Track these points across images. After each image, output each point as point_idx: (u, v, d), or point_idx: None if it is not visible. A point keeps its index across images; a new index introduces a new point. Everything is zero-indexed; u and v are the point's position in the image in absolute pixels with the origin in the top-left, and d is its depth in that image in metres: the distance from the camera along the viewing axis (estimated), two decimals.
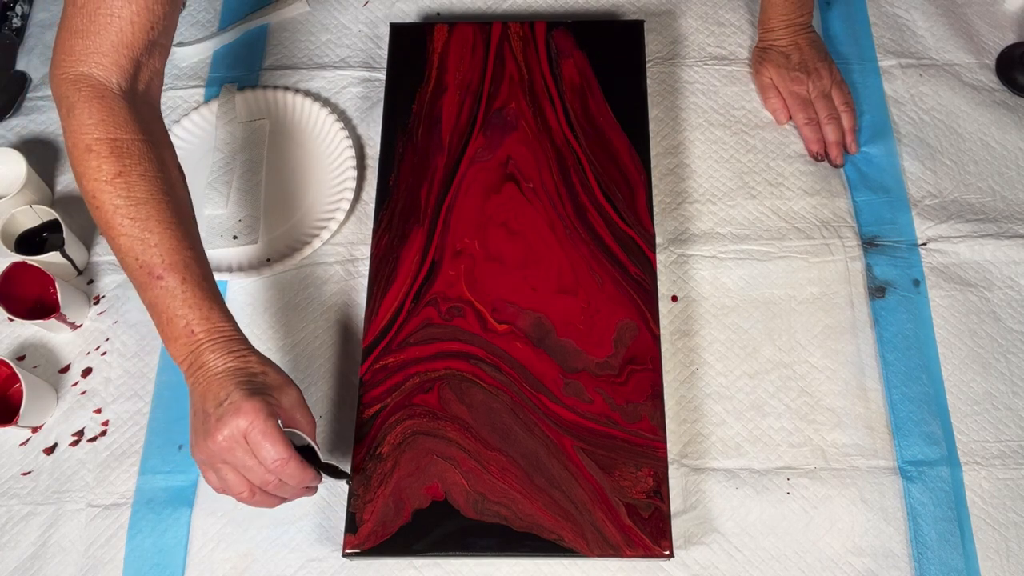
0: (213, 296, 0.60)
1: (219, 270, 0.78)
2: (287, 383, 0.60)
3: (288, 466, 0.57)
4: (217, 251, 0.80)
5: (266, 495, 0.59)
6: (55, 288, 0.74)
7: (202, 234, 0.80)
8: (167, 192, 0.60)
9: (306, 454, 0.60)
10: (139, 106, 0.62)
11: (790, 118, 0.84)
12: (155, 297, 0.59)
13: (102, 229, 0.60)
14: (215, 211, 0.82)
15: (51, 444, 0.74)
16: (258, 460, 0.56)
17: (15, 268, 0.75)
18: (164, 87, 0.89)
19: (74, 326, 0.78)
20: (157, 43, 0.63)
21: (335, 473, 0.63)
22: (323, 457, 0.63)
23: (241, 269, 0.78)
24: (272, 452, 0.56)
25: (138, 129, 0.60)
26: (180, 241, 0.59)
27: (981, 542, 0.67)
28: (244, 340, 0.61)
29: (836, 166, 0.82)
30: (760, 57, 0.85)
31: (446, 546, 0.65)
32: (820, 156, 0.82)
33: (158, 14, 0.61)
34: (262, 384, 0.58)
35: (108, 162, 0.58)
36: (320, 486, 0.71)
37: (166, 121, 0.87)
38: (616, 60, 0.83)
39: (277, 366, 0.61)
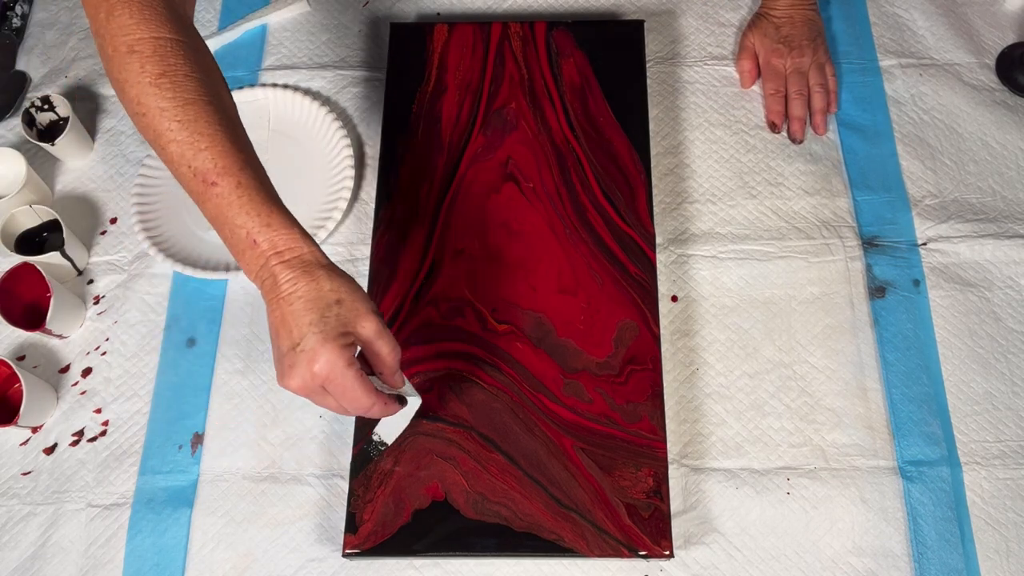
0: (272, 200, 0.55)
1: (218, 269, 0.78)
2: (363, 312, 0.54)
3: (373, 411, 0.56)
4: (217, 251, 0.80)
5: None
6: (49, 300, 0.73)
7: None
8: (213, 93, 0.56)
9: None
10: (177, 10, 0.59)
11: (755, 82, 0.85)
12: (214, 208, 0.54)
13: (150, 140, 0.55)
14: None
15: (51, 444, 0.74)
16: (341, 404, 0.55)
17: (22, 268, 0.75)
18: None
19: (61, 337, 0.78)
20: None
21: (413, 393, 0.63)
22: (404, 383, 0.61)
23: (239, 268, 0.78)
24: (355, 403, 0.54)
25: (179, 30, 0.57)
26: (232, 143, 0.55)
27: (981, 542, 0.67)
28: (314, 250, 0.55)
29: (795, 141, 0.82)
30: (752, 22, 0.86)
31: (446, 546, 0.65)
32: (776, 128, 0.83)
33: None
34: (336, 318, 0.53)
35: (152, 62, 0.55)
36: (318, 487, 0.71)
37: None
38: (616, 60, 0.83)
39: (351, 282, 0.55)
